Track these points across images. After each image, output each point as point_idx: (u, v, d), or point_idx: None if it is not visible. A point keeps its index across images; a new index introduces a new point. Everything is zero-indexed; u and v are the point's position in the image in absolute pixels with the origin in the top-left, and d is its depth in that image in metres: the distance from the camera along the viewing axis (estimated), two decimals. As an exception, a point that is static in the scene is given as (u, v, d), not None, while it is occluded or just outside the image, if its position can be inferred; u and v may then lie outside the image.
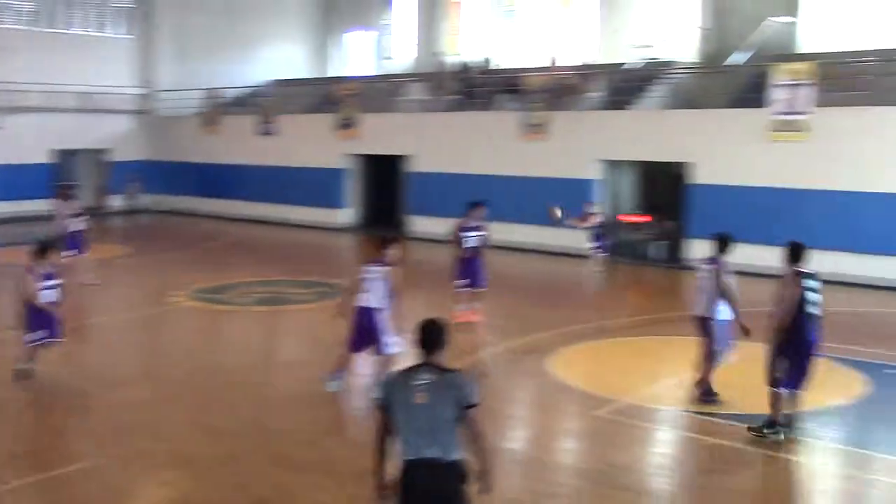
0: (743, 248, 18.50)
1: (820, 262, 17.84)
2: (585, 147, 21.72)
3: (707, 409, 9.59)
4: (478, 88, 25.12)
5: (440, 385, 4.95)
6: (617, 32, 26.06)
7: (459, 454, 4.97)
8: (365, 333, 9.86)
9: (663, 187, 23.29)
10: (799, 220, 18.14)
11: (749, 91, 20.67)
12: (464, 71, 26.01)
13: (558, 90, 22.87)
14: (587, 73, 23.51)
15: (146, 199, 30.97)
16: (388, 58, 33.04)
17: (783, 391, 8.60)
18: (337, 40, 35.07)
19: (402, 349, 9.81)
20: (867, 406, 9.97)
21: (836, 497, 7.82)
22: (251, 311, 15.10)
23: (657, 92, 22.71)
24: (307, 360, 12.06)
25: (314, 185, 27.35)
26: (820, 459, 8.56)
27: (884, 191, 17.50)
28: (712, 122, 20.13)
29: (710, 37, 24.37)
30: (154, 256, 21.56)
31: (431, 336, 5.09)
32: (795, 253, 8.61)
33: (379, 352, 9.92)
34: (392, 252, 10.04)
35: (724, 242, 9.84)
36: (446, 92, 25.59)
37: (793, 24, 23.13)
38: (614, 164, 22.53)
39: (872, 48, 20.73)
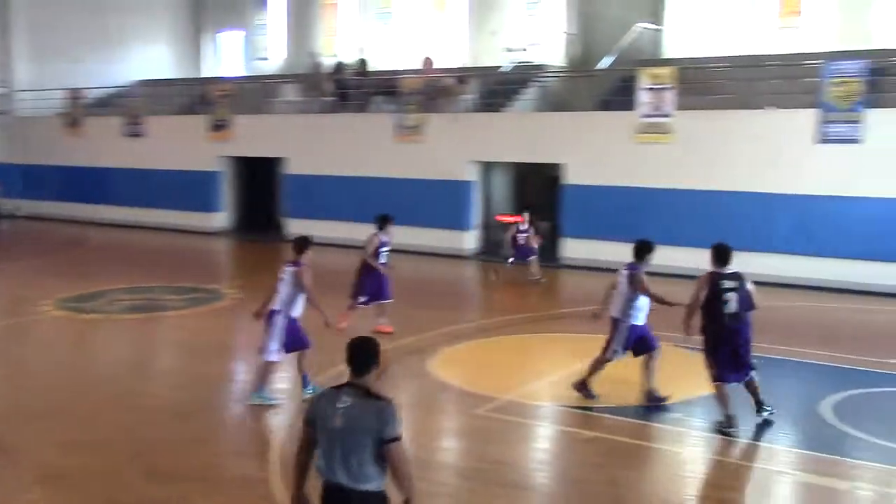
0: (613, 245, 19.25)
1: (685, 258, 18.76)
2: (460, 149, 21.96)
3: (586, 403, 9.83)
4: (353, 90, 25.02)
5: (359, 411, 4.68)
6: (490, 36, 26.45)
7: (373, 485, 4.70)
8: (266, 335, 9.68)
9: (537, 188, 23.83)
10: (665, 218, 18.90)
11: (617, 94, 21.40)
12: (339, 72, 25.85)
13: (433, 92, 23.04)
14: (461, 75, 23.78)
15: (4, 204, 29.42)
16: (263, 58, 32.49)
17: (726, 385, 9.04)
18: (210, 40, 34.23)
19: (279, 359, 9.68)
20: (733, 395, 10.43)
21: (708, 483, 8.15)
22: (122, 320, 14.52)
23: (529, 95, 23.20)
24: (181, 368, 11.73)
25: (187, 188, 26.61)
26: (692, 448, 8.90)
27: (743, 190, 18.39)
28: (582, 125, 20.71)
29: (576, 42, 25.05)
30: (14, 264, 20.51)
31: (358, 356, 4.79)
32: (716, 254, 9.21)
33: (261, 356, 9.71)
34: (308, 254, 9.83)
35: (643, 249, 10.00)
36: (321, 93, 25.38)
37: (658, 30, 24.04)
38: (489, 166, 22.90)
39: (732, 54, 21.79)
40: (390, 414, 4.67)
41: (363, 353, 4.81)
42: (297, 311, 9.73)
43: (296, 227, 24.52)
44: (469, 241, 22.17)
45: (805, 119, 17.80)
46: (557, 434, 9.33)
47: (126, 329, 14.05)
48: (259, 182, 27.13)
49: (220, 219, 26.72)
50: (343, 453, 4.69)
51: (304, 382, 9.85)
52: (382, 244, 13.09)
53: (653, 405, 9.75)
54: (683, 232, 18.73)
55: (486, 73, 24.39)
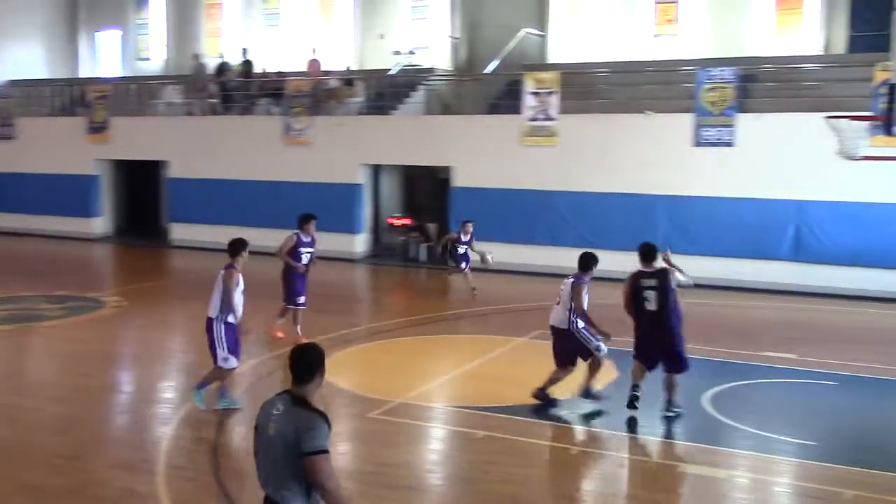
0: (502, 247, 19.56)
1: (568, 258, 18.98)
2: (349, 152, 21.87)
3: (479, 402, 9.94)
4: (239, 92, 24.58)
5: (284, 420, 4.44)
6: (378, 39, 26.42)
7: (293, 499, 4.42)
8: (209, 344, 9.46)
9: (427, 190, 23.96)
10: (552, 220, 19.31)
11: (504, 98, 21.74)
12: (223, 74, 25.32)
13: (320, 95, 22.87)
14: (348, 78, 23.68)
15: None
16: (144, 58, 31.50)
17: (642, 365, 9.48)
18: (87, 39, 32.94)
19: (236, 364, 9.53)
20: (616, 390, 10.74)
21: (597, 477, 8.36)
22: (-6, 331, 13.82)
23: (417, 98, 23.30)
24: (59, 380, 11.25)
25: (63, 193, 25.57)
26: (583, 444, 9.12)
27: (625, 191, 18.96)
28: (470, 128, 20.95)
29: (462, 46, 25.32)
30: None
31: (295, 364, 4.56)
32: (639, 254, 9.55)
33: (214, 365, 9.52)
34: (242, 257, 9.58)
35: (587, 260, 10.07)
36: (206, 95, 24.82)
37: (543, 36, 24.53)
38: (378, 169, 22.88)
39: (613, 60, 22.44)
40: (312, 425, 4.37)
41: (304, 361, 4.59)
42: (233, 317, 9.46)
43: (180, 232, 23.98)
44: (360, 244, 22.10)
45: (682, 123, 18.50)
46: (450, 435, 9.40)
47: (-1, 341, 13.39)
48: (141, 186, 26.32)
49: (100, 224, 25.79)
50: (268, 463, 4.49)
51: (221, 393, 9.65)
52: (301, 244, 12.82)
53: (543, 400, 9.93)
54: (570, 233, 19.20)
55: (374, 76, 24.37)
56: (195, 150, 23.73)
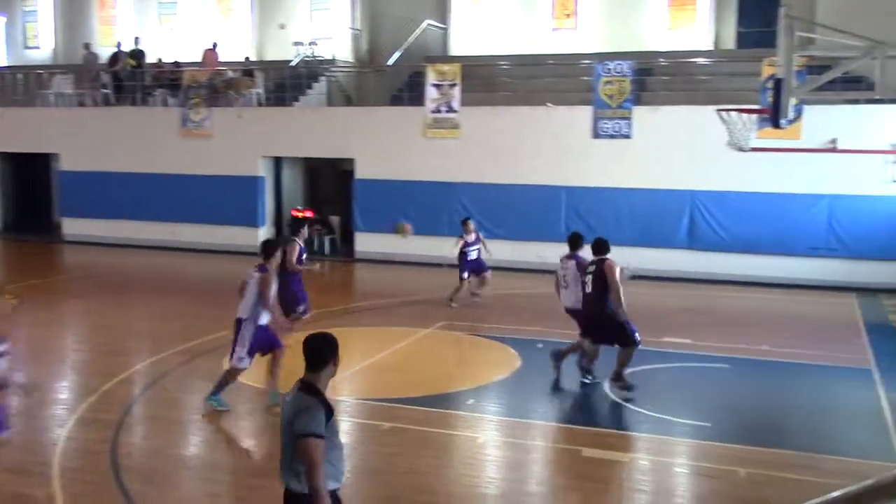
0: (403, 239, 19.52)
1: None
2: (249, 144, 21.52)
3: (382, 395, 9.94)
4: (132, 82, 23.86)
5: (290, 404, 4.69)
6: (278, 30, 26.02)
7: (295, 485, 4.60)
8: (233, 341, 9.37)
9: (330, 183, 23.80)
10: (454, 211, 19.44)
11: (406, 90, 21.73)
12: (116, 63, 24.52)
13: (219, 86, 22.41)
14: (247, 69, 23.26)
15: None
16: (32, 47, 30.20)
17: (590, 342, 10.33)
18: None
19: (247, 365, 9.39)
20: (521, 379, 10.92)
21: (502, 464, 8.46)
22: None
23: (319, 89, 23.08)
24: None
25: (-56, 187, 24.38)
26: (488, 432, 9.22)
27: (527, 182, 19.23)
28: (373, 119, 20.88)
29: (362, 38, 25.19)
30: None
31: (313, 352, 4.77)
32: (592, 246, 10.24)
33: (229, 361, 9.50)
34: (275, 258, 9.46)
35: (575, 241, 10.95)
36: (98, 85, 24.00)
37: (444, 29, 24.60)
38: (280, 161, 22.59)
39: (514, 53, 22.69)
40: (308, 408, 4.57)
41: (318, 350, 4.76)
42: (265, 318, 9.29)
43: (73, 227, 23.21)
44: (262, 237, 21.74)
45: (581, 115, 18.86)
46: (356, 427, 9.36)
47: None
48: (31, 179, 25.32)
49: (-14, 220, 24.72)
50: (283, 449, 4.69)
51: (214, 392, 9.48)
52: (302, 251, 12.18)
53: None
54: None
55: (274, 67, 24.01)
56: (88, 141, 22.95)
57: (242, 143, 21.54)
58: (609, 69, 18.78)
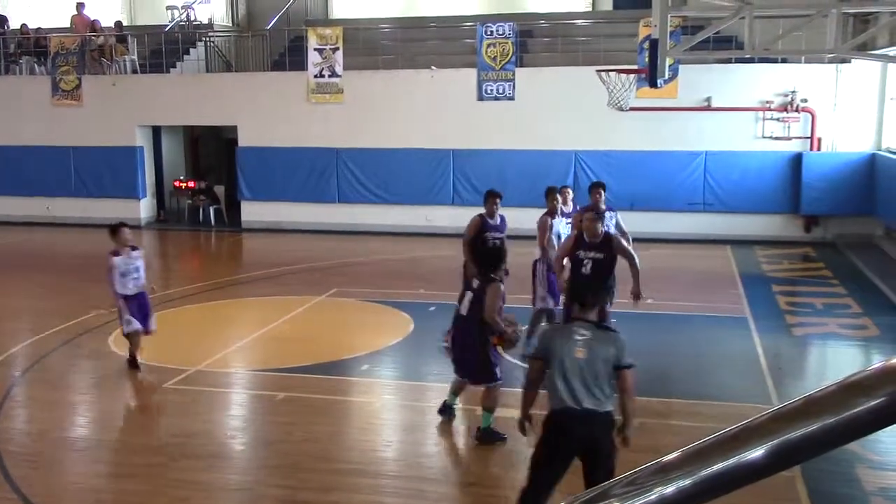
0: (293, 207, 19.37)
1: (362, 213, 19.01)
2: (125, 113, 20.72)
3: (283, 365, 9.86)
4: (-4, 50, 22.58)
5: (597, 342, 5.42)
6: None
7: (609, 406, 5.42)
8: None
9: (213, 151, 23.21)
10: (341, 177, 19.27)
11: (288, 55, 21.30)
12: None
13: (90, 53, 21.45)
14: (119, 34, 22.31)
15: None
16: None
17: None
18: None
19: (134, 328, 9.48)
20: (414, 342, 11.01)
21: (401, 427, 8.52)
22: None
23: (197, 55, 22.37)
24: None
25: None
26: (383, 396, 9.28)
27: (414, 146, 19.17)
28: (254, 85, 20.40)
29: (240, 1, 24.51)
30: None
31: (587, 294, 5.60)
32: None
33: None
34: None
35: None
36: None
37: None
38: (159, 130, 21.85)
39: (396, 16, 22.52)
40: (623, 343, 5.50)
41: (591, 291, 5.67)
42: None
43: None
44: (143, 209, 21.10)
45: (466, 78, 18.91)
46: (250, 399, 9.28)
47: None
48: None
49: None
50: (588, 380, 5.37)
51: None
52: None
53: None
54: (360, 189, 19.28)
55: (148, 32, 23.10)
56: (-52, 114, 21.64)
57: (117, 112, 20.72)
58: (491, 31, 18.86)
